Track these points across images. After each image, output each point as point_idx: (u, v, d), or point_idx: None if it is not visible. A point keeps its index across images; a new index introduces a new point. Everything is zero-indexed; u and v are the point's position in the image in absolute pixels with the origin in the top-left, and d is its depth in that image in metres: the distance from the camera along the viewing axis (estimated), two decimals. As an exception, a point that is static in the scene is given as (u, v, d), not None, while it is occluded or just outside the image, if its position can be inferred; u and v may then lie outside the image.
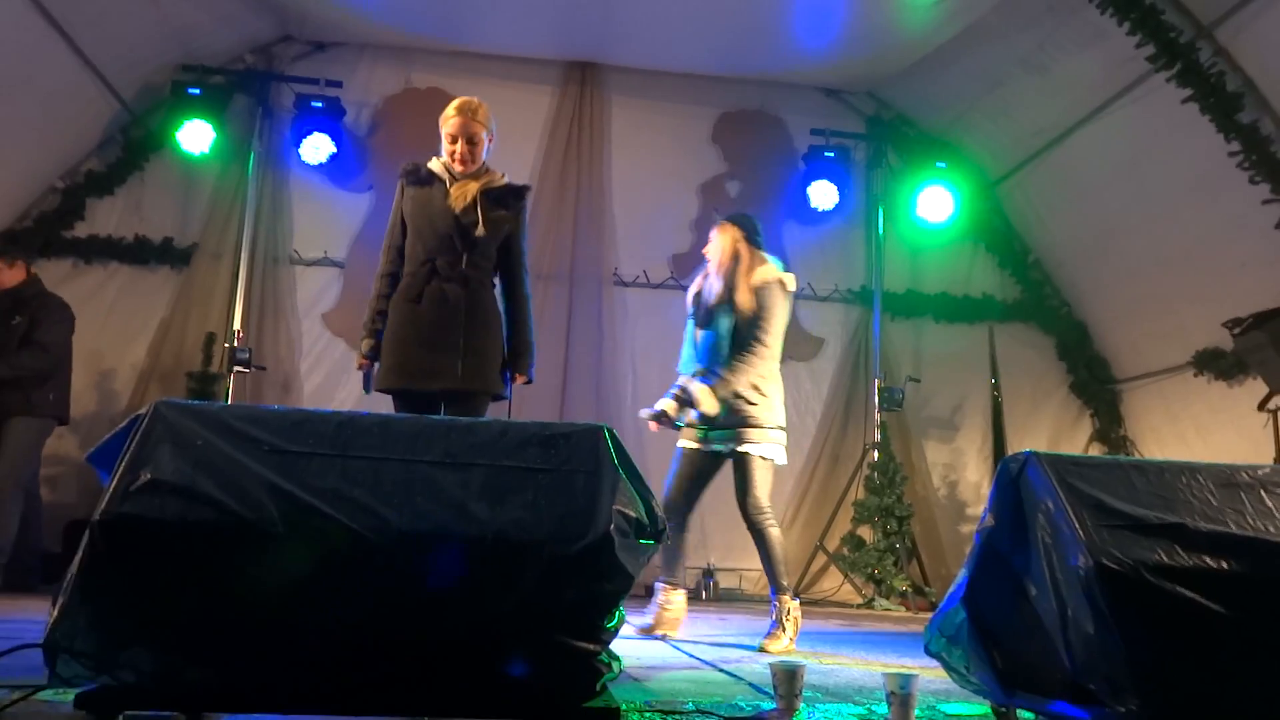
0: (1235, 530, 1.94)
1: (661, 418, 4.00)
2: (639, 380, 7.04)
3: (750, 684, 2.64)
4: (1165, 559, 1.88)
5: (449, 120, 3.44)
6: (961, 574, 2.10)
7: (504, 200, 3.47)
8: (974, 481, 7.16)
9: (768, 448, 3.87)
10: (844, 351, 7.37)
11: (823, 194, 7.15)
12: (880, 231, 7.41)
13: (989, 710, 2.19)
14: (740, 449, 3.83)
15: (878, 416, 7.00)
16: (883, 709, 2.08)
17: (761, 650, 3.56)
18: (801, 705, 2.15)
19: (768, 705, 2.23)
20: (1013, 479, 2.08)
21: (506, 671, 1.83)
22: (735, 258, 4.00)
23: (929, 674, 2.64)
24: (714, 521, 6.86)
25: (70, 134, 6.63)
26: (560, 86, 7.37)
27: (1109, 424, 7.12)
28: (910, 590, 6.38)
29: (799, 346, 7.33)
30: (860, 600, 6.53)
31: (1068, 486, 1.99)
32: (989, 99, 6.82)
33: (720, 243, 4.08)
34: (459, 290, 3.36)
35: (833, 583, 6.83)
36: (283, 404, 6.69)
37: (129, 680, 1.67)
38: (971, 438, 7.25)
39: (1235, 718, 1.83)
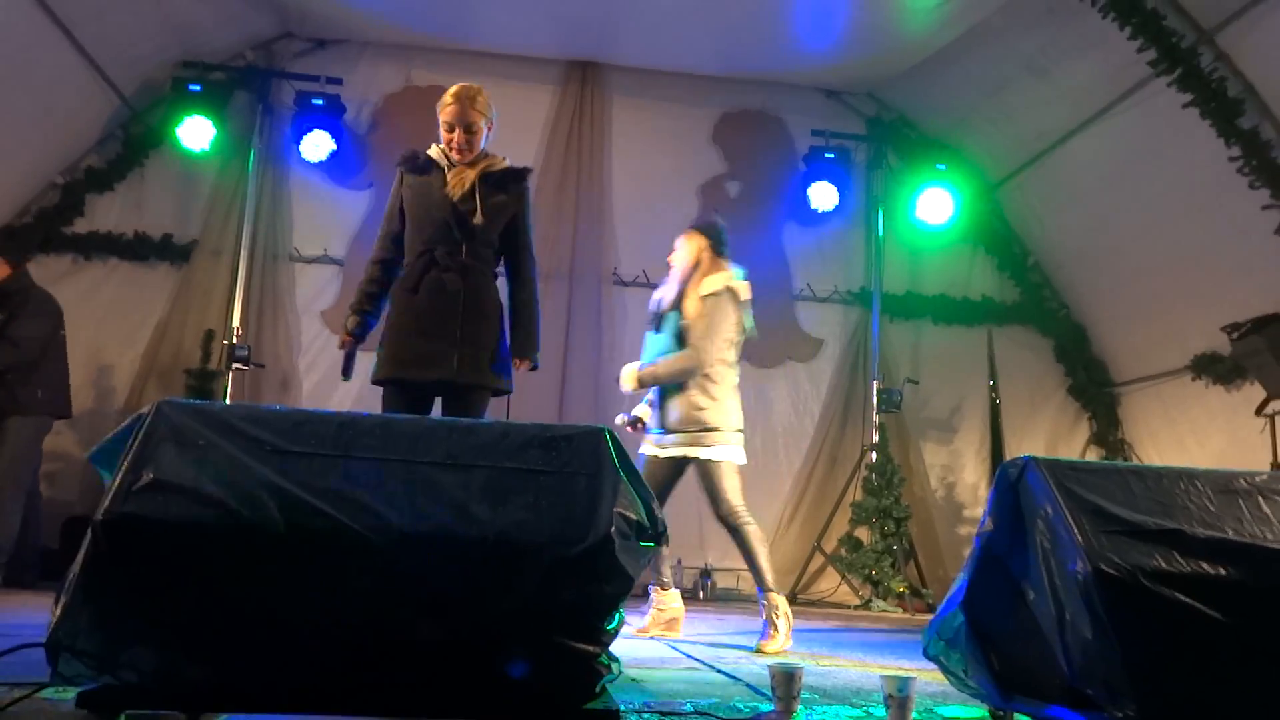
0: (1233, 536, 1.95)
1: (637, 423, 4.11)
2: (638, 380, 7.04)
3: (748, 685, 2.65)
4: (1163, 565, 1.88)
5: (446, 108, 3.37)
6: (960, 578, 2.11)
7: (504, 184, 3.40)
8: (972, 483, 7.17)
9: (725, 450, 3.90)
10: (843, 352, 7.38)
11: (823, 195, 7.15)
12: (880, 233, 7.41)
13: (987, 714, 2.20)
14: (700, 455, 3.85)
15: (876, 418, 7.01)
16: (880, 711, 2.09)
17: (759, 652, 3.56)
18: (799, 707, 2.16)
19: (766, 707, 2.24)
20: (1012, 484, 2.09)
21: (507, 672, 1.83)
22: (695, 266, 4.05)
23: (927, 676, 2.64)
24: (711, 522, 6.87)
25: (71, 130, 6.62)
26: (561, 85, 7.38)
27: (1107, 427, 7.13)
28: (907, 592, 6.39)
29: (798, 347, 7.35)
30: (858, 601, 6.54)
31: (1066, 492, 2.00)
32: (990, 102, 6.83)
33: (685, 250, 4.12)
34: (457, 280, 3.29)
35: (830, 584, 6.84)
36: (281, 401, 6.69)
37: (130, 679, 1.67)
38: (969, 440, 7.26)
39: (1232, 723, 1.84)
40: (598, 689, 1.88)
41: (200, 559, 1.75)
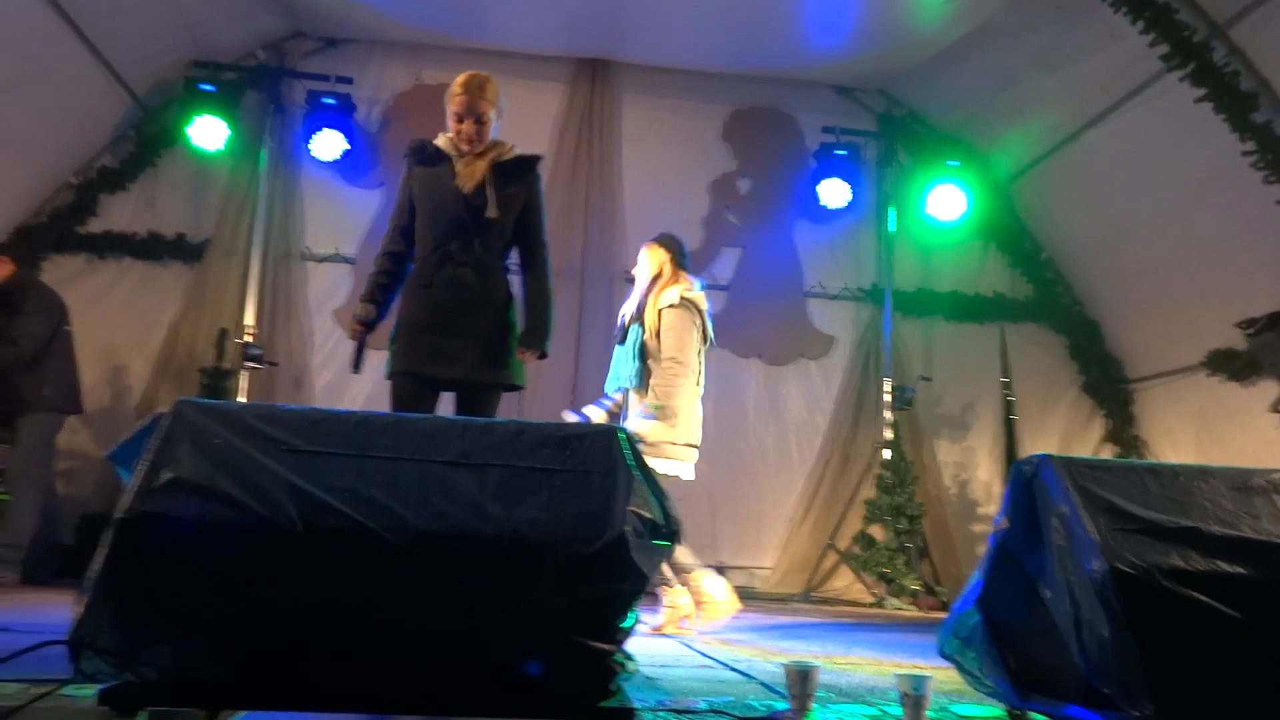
0: (1250, 535, 1.95)
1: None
2: (649, 378, 7.05)
3: (763, 683, 2.65)
4: (1180, 563, 1.88)
5: (455, 98, 3.29)
6: (976, 576, 2.11)
7: (516, 173, 3.34)
8: (985, 481, 7.15)
9: (668, 464, 3.84)
10: (854, 350, 7.36)
11: (834, 192, 7.13)
12: (891, 230, 7.39)
13: (1003, 713, 2.19)
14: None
15: (889, 415, 7.00)
16: (896, 710, 2.08)
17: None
18: (814, 705, 2.16)
19: (780, 705, 2.24)
20: (1027, 482, 2.09)
21: (522, 671, 1.84)
22: (657, 277, 4.12)
23: (942, 675, 2.64)
24: (724, 520, 6.90)
25: (84, 130, 6.66)
26: (570, 83, 7.38)
27: (1121, 424, 7.10)
28: (921, 589, 6.38)
29: (809, 344, 7.34)
30: (871, 599, 6.53)
31: (1082, 490, 1.99)
32: (1001, 97, 6.80)
33: (647, 262, 4.19)
34: (472, 275, 3.25)
35: (844, 581, 6.83)
36: (294, 399, 6.72)
37: (150, 677, 1.69)
38: (983, 437, 7.23)
39: (1250, 722, 1.83)
40: (613, 687, 1.88)
41: (218, 557, 1.76)
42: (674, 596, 4.02)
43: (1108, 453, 7.07)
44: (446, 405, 3.39)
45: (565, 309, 7.00)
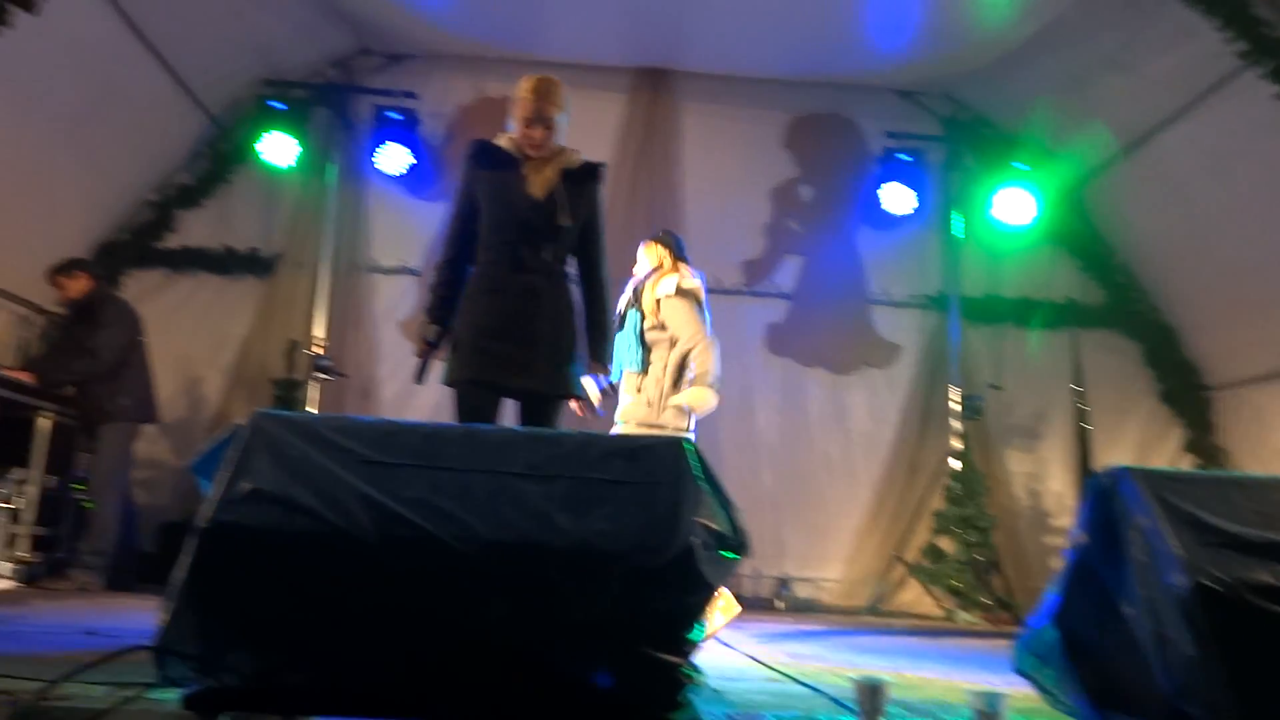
0: (1344, 549, 1.87)
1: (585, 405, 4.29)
2: (712, 387, 7.03)
3: (831, 698, 2.62)
4: (1268, 579, 1.82)
5: (524, 102, 3.20)
6: (1052, 591, 2.06)
7: (583, 181, 3.28)
8: (1058, 492, 6.98)
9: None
10: (921, 358, 7.25)
11: (897, 197, 7.04)
12: (958, 235, 7.27)
13: (1081, 732, 2.14)
14: None
15: (957, 424, 6.88)
16: (969, 727, 2.04)
17: None
18: (885, 721, 2.12)
19: (850, 720, 2.21)
20: (1105, 494, 2.04)
21: (590, 682, 1.84)
22: (656, 269, 4.27)
23: (1017, 693, 2.58)
24: (791, 530, 6.85)
25: (162, 149, 6.89)
26: (631, 93, 7.41)
27: (1200, 433, 6.87)
28: (993, 603, 6.25)
29: (874, 353, 7.25)
30: (941, 613, 6.42)
31: (1163, 503, 1.94)
32: (1071, 98, 6.65)
33: (646, 258, 4.35)
34: (543, 283, 3.19)
35: (912, 595, 6.72)
36: (362, 409, 6.85)
37: (231, 682, 1.73)
38: (1055, 447, 7.05)
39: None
40: (681, 700, 1.88)
41: (295, 566, 1.80)
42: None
43: (1186, 463, 6.85)
44: (507, 411, 3.36)
45: (627, 318, 7.03)
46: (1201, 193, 6.29)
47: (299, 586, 1.80)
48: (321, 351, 6.74)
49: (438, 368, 3.35)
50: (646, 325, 4.12)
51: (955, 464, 6.77)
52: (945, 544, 6.56)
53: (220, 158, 7.15)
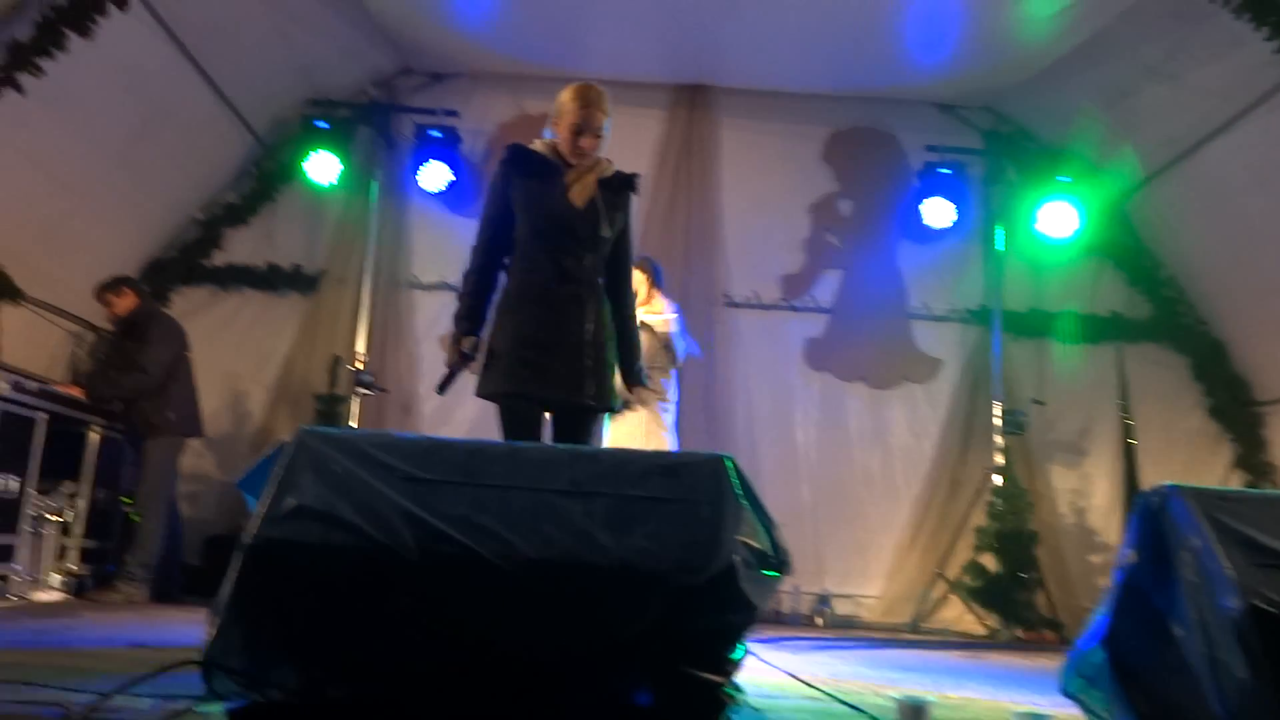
0: (1405, 571, 1.82)
1: None
2: (751, 403, 7.02)
3: (873, 717, 2.59)
4: (1325, 601, 1.77)
5: (573, 110, 3.12)
6: (1100, 612, 2.02)
7: (620, 191, 3.24)
8: (1104, 508, 6.85)
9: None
10: (962, 372, 7.17)
11: (938, 211, 6.99)
12: (999, 248, 7.19)
13: (1131, 756, 2.09)
14: None
15: (999, 440, 6.78)
16: (1016, 750, 2.01)
17: None
18: (929, 743, 2.10)
19: (893, 741, 2.18)
20: (1154, 513, 2.00)
21: (631, 700, 1.84)
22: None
23: (1063, 715, 2.53)
24: (831, 547, 6.80)
25: (209, 168, 7.04)
26: (669, 109, 7.43)
27: (1251, 450, 6.71)
28: (1037, 622, 6.14)
29: (914, 367, 7.19)
30: (984, 631, 6.32)
31: (1215, 523, 1.90)
32: (1115, 110, 6.57)
33: None
34: (587, 293, 3.13)
35: (954, 613, 6.62)
36: (403, 425, 6.91)
37: (276, 697, 1.75)
38: (1100, 463, 6.93)
39: None
40: (721, 718, 1.87)
41: (339, 582, 1.82)
42: None
43: (1236, 480, 6.70)
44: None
45: (666, 333, 7.04)
46: (1249, 204, 6.17)
47: (342, 602, 1.82)
48: (362, 367, 6.82)
49: (458, 378, 3.22)
50: None
51: (997, 480, 6.67)
52: (988, 561, 6.46)
53: (265, 176, 7.28)
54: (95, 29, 5.23)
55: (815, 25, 6.48)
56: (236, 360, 6.99)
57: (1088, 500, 6.89)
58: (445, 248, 7.29)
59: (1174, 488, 1.98)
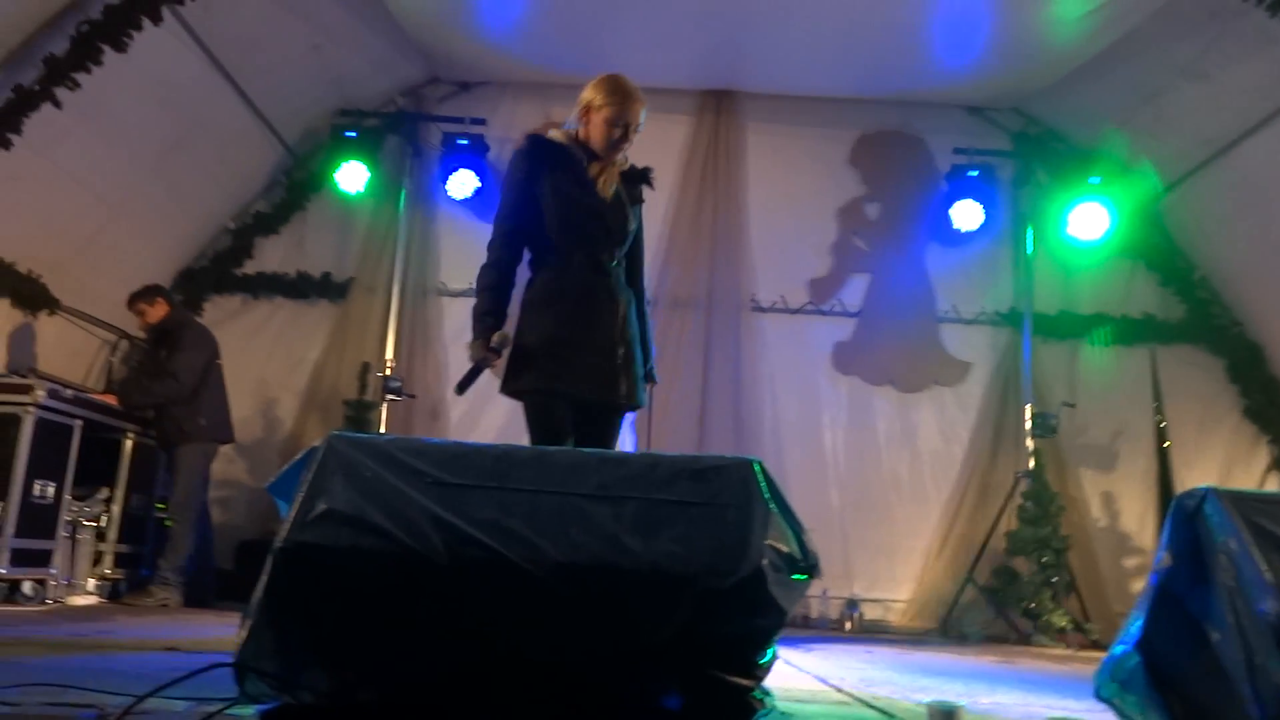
0: None
1: None
2: (778, 407, 6.99)
3: (904, 723, 2.57)
4: (1367, 606, 1.73)
5: (613, 103, 3.05)
6: (1135, 616, 2.00)
7: (637, 184, 3.21)
8: (1138, 513, 6.76)
9: None
10: (992, 376, 7.11)
11: (967, 214, 6.94)
12: (1029, 251, 7.13)
13: (1166, 762, 2.06)
14: None
15: (1030, 443, 6.72)
16: (1049, 756, 1.99)
17: None
18: (961, 748, 2.08)
19: (924, 747, 2.16)
20: (1190, 517, 1.97)
21: (660, 704, 1.84)
22: None
23: (1095, 719, 2.50)
24: (859, 551, 6.76)
25: (241, 178, 7.14)
26: (696, 115, 7.44)
27: (1289, 451, 6.61)
28: (1070, 626, 6.07)
29: (943, 370, 7.14)
30: (1015, 636, 6.25)
31: (1252, 526, 1.87)
32: (1146, 110, 6.49)
33: None
34: (617, 288, 3.07)
35: (985, 617, 6.55)
36: (431, 430, 6.96)
37: (307, 700, 1.77)
38: (1134, 467, 6.84)
39: None
40: (751, 723, 1.86)
41: (369, 586, 1.84)
42: None
43: (1274, 482, 6.59)
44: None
45: (692, 339, 7.05)
46: (1285, 203, 6.08)
47: (372, 606, 1.83)
48: (391, 373, 6.87)
49: (478, 377, 3.12)
50: None
51: (1028, 483, 6.60)
52: (1019, 565, 6.39)
53: (296, 186, 7.37)
54: (130, 43, 5.32)
55: (841, 29, 6.46)
56: (267, 367, 7.07)
57: (1121, 504, 6.81)
58: (473, 255, 7.19)
59: (1210, 490, 1.95)
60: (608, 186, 3.10)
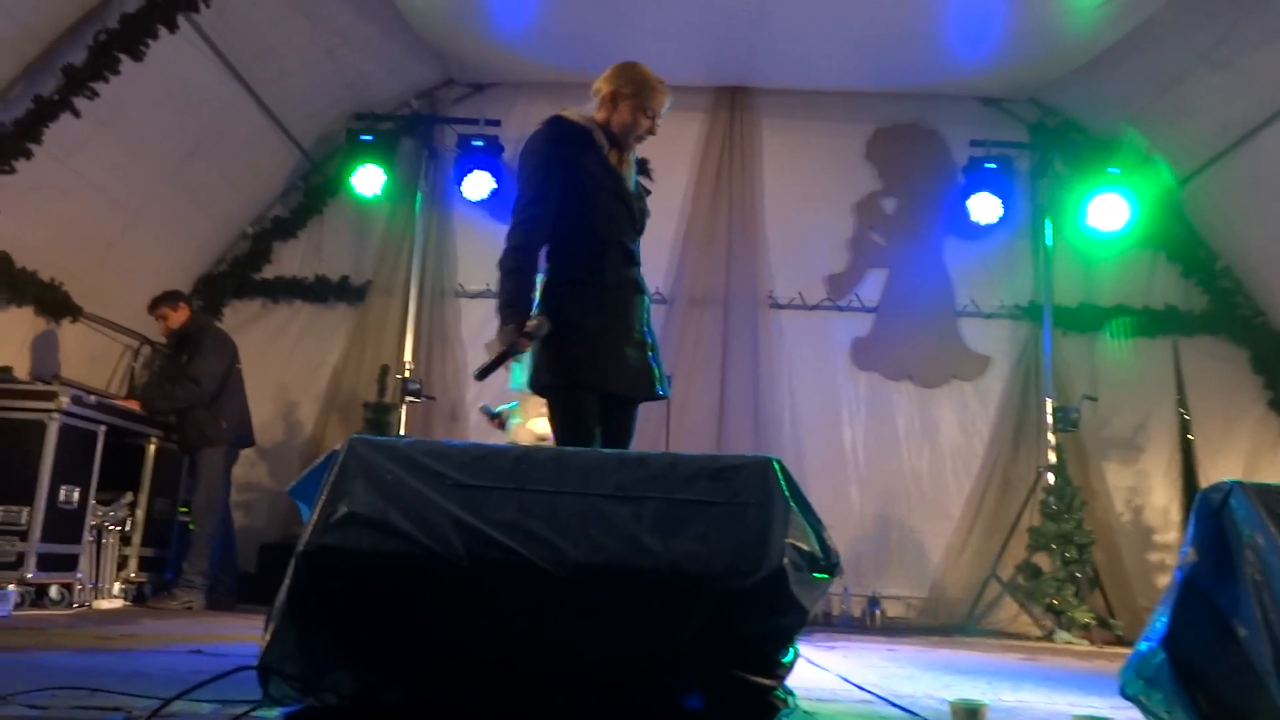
0: None
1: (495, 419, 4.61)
2: (797, 404, 6.97)
3: (927, 721, 2.56)
4: (1397, 599, 1.71)
5: (645, 92, 3.02)
6: (1160, 612, 1.98)
7: (643, 173, 3.24)
8: (1161, 506, 6.69)
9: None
10: (1012, 370, 7.06)
11: (985, 207, 6.90)
12: (1049, 243, 7.08)
13: (1194, 759, 2.04)
14: None
15: (1051, 437, 6.67)
16: (1075, 753, 1.97)
17: None
18: (985, 746, 2.07)
19: (949, 745, 2.15)
20: (1215, 511, 1.96)
21: (682, 703, 1.84)
22: None
23: (1122, 716, 2.48)
24: (880, 548, 6.73)
25: (259, 184, 7.18)
26: (710, 112, 7.42)
27: (1315, 443, 6.52)
28: (1094, 623, 6.02)
29: (963, 365, 7.09)
30: (1039, 633, 6.21)
31: (1279, 519, 1.85)
32: (1165, 99, 6.43)
33: None
34: (639, 279, 3.01)
35: (1008, 614, 6.50)
36: (450, 431, 6.98)
37: (331, 702, 1.78)
38: (1157, 459, 6.78)
39: None
40: (773, 722, 1.86)
41: (391, 588, 1.85)
42: None
43: (1302, 475, 6.52)
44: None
45: (710, 337, 7.03)
46: (1309, 191, 6.00)
47: (394, 608, 1.84)
48: (410, 375, 6.90)
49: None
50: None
51: (1050, 478, 6.56)
52: (1042, 561, 6.34)
53: (312, 190, 7.40)
54: (146, 52, 5.36)
55: (855, 23, 6.43)
56: (287, 370, 7.11)
57: (1144, 498, 6.75)
58: (489, 255, 7.21)
59: (1235, 484, 1.94)
60: (628, 174, 3.06)
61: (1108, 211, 6.69)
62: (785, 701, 1.86)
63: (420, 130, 7.36)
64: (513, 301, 2.85)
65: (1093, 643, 5.87)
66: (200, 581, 5.40)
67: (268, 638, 1.77)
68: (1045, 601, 6.17)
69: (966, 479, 6.89)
